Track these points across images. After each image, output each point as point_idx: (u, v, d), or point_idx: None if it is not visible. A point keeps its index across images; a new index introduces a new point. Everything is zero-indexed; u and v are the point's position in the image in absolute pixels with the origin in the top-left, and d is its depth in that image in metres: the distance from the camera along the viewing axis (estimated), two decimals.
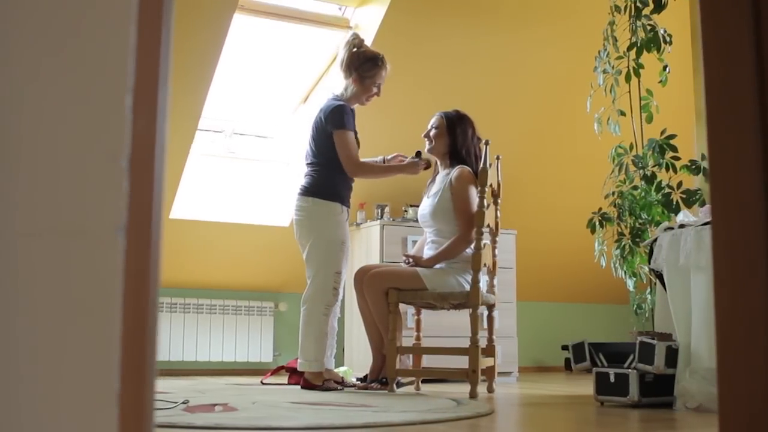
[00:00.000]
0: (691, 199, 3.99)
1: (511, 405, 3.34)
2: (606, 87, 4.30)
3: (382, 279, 3.77)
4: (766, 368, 0.82)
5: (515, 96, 5.32)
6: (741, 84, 0.86)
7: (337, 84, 4.12)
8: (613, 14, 4.31)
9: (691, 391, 2.90)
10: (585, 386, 4.14)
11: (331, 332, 3.88)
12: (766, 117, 0.85)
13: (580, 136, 5.38)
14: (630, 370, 3.06)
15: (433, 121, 4.00)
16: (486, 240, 3.82)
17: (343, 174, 3.89)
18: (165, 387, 3.59)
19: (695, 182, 4.22)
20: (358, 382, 3.94)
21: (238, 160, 5.25)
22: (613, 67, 4.29)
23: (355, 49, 3.97)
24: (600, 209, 4.26)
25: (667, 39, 4.20)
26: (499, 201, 4.01)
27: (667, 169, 4.10)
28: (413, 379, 4.00)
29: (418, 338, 4.08)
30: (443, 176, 3.92)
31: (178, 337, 5.10)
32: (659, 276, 3.31)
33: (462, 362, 3.72)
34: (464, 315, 3.78)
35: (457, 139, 3.92)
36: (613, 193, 4.20)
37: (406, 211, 5.17)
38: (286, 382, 4.20)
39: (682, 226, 3.19)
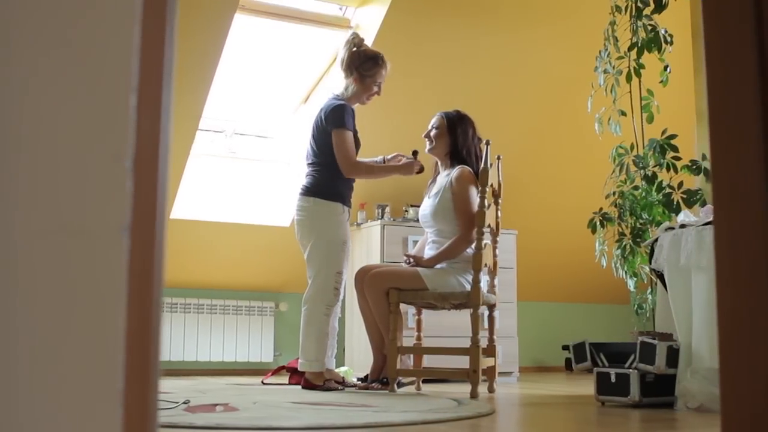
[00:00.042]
0: (691, 199, 3.99)
1: (512, 405, 3.34)
2: (607, 87, 4.30)
3: (383, 279, 3.77)
4: None
5: (516, 96, 5.32)
6: (743, 84, 0.86)
7: (337, 84, 4.12)
8: (613, 14, 4.31)
9: (692, 391, 2.90)
10: (586, 386, 4.14)
11: (332, 332, 3.88)
12: None
13: (580, 136, 5.38)
14: (631, 370, 3.06)
15: (433, 121, 4.00)
16: (487, 240, 3.82)
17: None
18: (166, 387, 3.59)
19: (696, 182, 4.22)
20: (359, 382, 3.94)
21: (238, 160, 5.25)
22: (613, 67, 4.29)
23: (354, 49, 3.97)
24: (601, 209, 4.26)
25: (668, 39, 4.21)
26: (499, 201, 4.02)
27: (668, 169, 4.10)
28: (414, 379, 4.00)
29: (418, 338, 4.08)
30: (444, 176, 3.92)
31: (178, 337, 5.10)
32: (660, 276, 3.31)
33: (463, 362, 3.72)
34: (465, 315, 3.79)
35: (457, 139, 3.92)
36: (614, 193, 4.21)
37: (406, 211, 5.17)
38: (287, 382, 4.20)
39: (683, 226, 3.19)
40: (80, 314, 0.70)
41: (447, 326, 4.69)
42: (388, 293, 3.72)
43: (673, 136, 4.09)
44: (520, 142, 5.43)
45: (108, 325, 0.70)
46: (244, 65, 5.05)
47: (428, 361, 4.41)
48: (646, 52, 4.19)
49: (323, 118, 3.91)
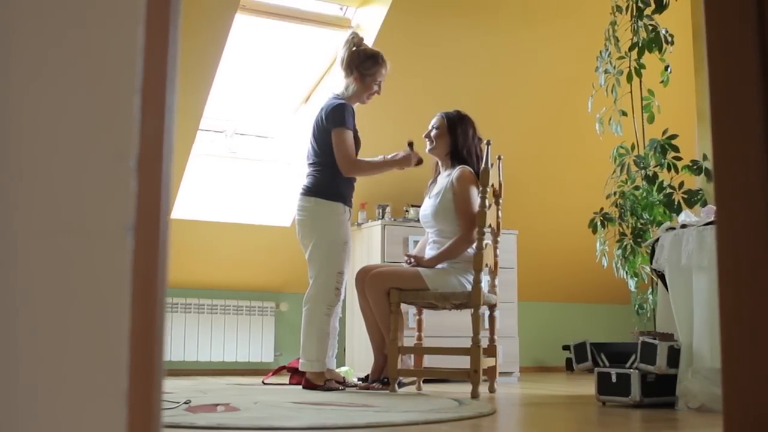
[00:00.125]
0: (692, 199, 3.99)
1: (512, 405, 3.34)
2: (607, 87, 4.30)
3: (384, 279, 3.77)
4: None
5: (516, 96, 5.32)
6: (745, 84, 0.86)
7: (338, 84, 4.12)
8: (614, 14, 4.32)
9: (693, 391, 2.90)
10: (586, 386, 4.14)
11: (333, 332, 3.88)
12: None
13: (581, 137, 5.38)
14: (632, 370, 3.06)
15: (434, 121, 4.00)
16: (487, 240, 3.82)
17: None
18: (167, 387, 3.59)
19: (697, 182, 4.22)
20: (360, 382, 3.94)
21: (239, 160, 5.26)
22: (614, 67, 4.29)
23: (354, 48, 3.98)
24: (601, 209, 4.26)
25: (669, 39, 4.21)
26: (500, 201, 4.02)
27: (669, 170, 4.10)
28: (415, 379, 4.00)
29: (419, 338, 4.08)
30: (445, 177, 3.92)
31: (179, 337, 5.10)
32: (661, 276, 3.31)
33: (463, 362, 3.72)
34: (466, 315, 3.79)
35: (458, 139, 3.92)
36: (615, 193, 4.21)
37: (407, 211, 5.17)
38: (288, 382, 4.20)
39: (683, 226, 3.20)
40: (84, 315, 0.70)
41: (448, 326, 4.69)
42: (389, 293, 3.72)
43: (673, 136, 4.10)
44: (521, 142, 5.43)
45: (112, 325, 0.70)
46: (245, 65, 5.05)
47: (429, 361, 4.41)
48: (646, 52, 4.19)
49: (324, 117, 3.91)
